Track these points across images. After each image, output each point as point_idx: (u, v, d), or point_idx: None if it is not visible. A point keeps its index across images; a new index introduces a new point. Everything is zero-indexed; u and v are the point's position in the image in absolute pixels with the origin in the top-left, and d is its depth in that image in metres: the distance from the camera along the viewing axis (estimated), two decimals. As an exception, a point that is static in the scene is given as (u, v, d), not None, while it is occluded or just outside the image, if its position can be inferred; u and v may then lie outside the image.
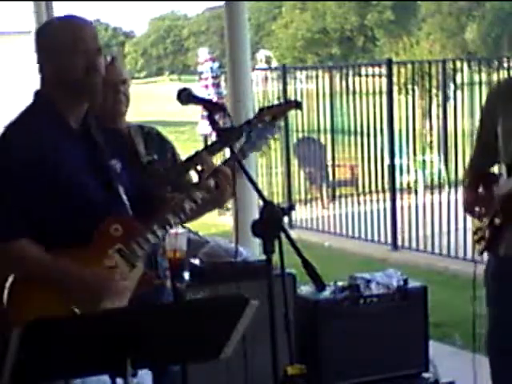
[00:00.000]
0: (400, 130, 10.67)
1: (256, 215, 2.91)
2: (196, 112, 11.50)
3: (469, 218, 4.14)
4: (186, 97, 3.08)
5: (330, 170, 12.45)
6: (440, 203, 9.78)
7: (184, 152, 3.82)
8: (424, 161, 11.61)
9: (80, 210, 2.88)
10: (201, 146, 7.26)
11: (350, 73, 12.13)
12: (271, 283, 2.89)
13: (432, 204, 9.90)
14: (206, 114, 3.05)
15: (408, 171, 12.61)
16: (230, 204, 5.94)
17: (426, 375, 5.17)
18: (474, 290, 3.99)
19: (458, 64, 10.43)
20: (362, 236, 10.62)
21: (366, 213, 10.70)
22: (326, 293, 5.01)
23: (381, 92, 10.46)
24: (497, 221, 3.77)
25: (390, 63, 10.24)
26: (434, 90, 10.94)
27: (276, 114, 3.59)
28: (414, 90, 10.58)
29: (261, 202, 2.94)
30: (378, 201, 10.87)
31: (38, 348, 2.37)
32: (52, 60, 2.92)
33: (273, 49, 51.44)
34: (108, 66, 3.30)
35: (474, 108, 9.31)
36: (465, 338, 5.92)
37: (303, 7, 55.56)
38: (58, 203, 2.86)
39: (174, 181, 3.59)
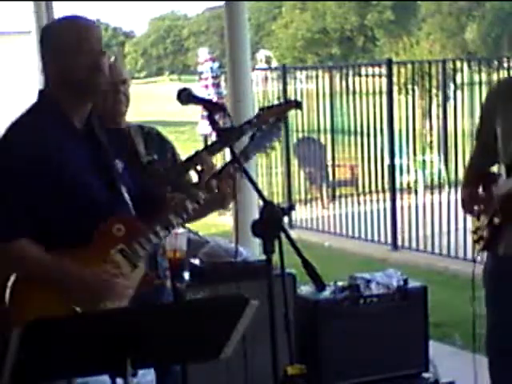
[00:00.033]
0: (400, 130, 10.67)
1: (256, 215, 2.92)
2: (196, 112, 11.49)
3: (469, 218, 4.15)
4: (186, 97, 3.08)
5: (329, 170, 12.45)
6: (440, 203, 9.77)
7: (184, 152, 3.81)
8: (424, 161, 11.60)
9: (84, 210, 2.88)
10: (201, 146, 7.23)
11: (350, 73, 12.12)
12: (271, 283, 2.89)
13: (432, 204, 9.89)
14: (205, 113, 3.05)
15: (408, 171, 12.61)
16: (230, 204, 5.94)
17: (426, 375, 5.17)
18: (473, 290, 3.99)
19: (458, 64, 10.42)
20: (362, 236, 10.61)
21: (366, 213, 10.70)
22: (326, 293, 5.01)
23: (381, 92, 10.45)
24: (496, 220, 3.77)
25: (389, 63, 10.23)
26: (434, 90, 10.93)
27: (276, 114, 3.59)
28: (414, 90, 10.57)
29: (261, 202, 2.94)
30: (378, 201, 10.86)
31: (37, 348, 2.37)
32: (56, 60, 2.92)
33: (273, 49, 51.40)
34: (108, 65, 3.29)
35: (474, 108, 9.29)
36: (465, 338, 5.93)
37: (303, 7, 55.54)
38: (63, 203, 2.85)
39: (173, 181, 3.59)
